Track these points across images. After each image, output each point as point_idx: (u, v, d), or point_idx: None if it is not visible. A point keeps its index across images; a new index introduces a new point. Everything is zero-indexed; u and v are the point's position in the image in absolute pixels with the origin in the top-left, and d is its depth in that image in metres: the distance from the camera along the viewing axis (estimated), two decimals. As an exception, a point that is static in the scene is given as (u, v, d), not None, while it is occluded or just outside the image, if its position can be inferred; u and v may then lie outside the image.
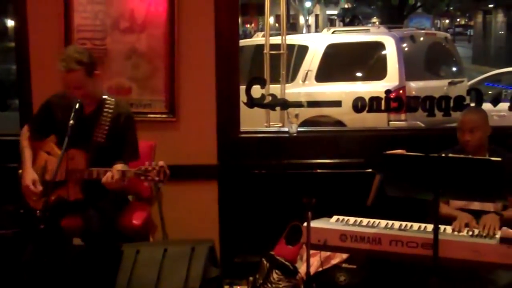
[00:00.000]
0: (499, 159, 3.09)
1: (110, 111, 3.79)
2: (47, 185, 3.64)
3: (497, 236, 3.29)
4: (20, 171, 3.84)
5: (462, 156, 3.51)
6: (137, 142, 3.86)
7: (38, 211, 3.43)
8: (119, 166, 3.61)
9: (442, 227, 3.43)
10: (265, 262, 4.16)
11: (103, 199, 3.75)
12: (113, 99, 3.86)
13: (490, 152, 3.81)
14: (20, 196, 3.81)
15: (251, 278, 4.24)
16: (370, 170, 3.51)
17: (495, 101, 4.79)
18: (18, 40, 4.51)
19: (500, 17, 27.86)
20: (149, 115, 4.41)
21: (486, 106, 4.63)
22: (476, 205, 3.65)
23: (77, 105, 3.65)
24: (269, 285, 4.08)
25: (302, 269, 4.01)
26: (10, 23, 18.25)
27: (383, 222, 3.56)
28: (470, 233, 3.41)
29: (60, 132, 3.74)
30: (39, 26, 4.34)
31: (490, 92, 7.87)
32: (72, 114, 3.62)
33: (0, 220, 4.08)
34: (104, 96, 3.85)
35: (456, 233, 3.43)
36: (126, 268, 3.63)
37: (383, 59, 7.38)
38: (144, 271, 3.63)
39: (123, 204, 3.99)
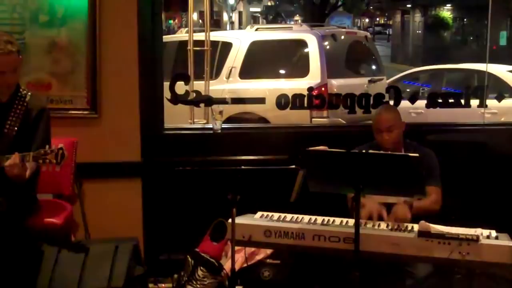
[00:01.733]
0: (417, 155, 3.18)
1: (25, 104, 3.67)
2: None
3: (415, 229, 3.39)
4: None
5: (382, 152, 3.60)
6: (48, 135, 3.73)
7: None
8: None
9: (363, 221, 3.51)
10: (189, 259, 4.15)
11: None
12: (29, 93, 3.74)
13: (406, 147, 3.92)
14: None
15: (176, 276, 4.22)
16: (293, 166, 3.55)
17: (413, 99, 4.94)
18: None
19: (417, 17, 28.80)
20: (70, 112, 4.32)
21: (404, 103, 4.78)
22: (393, 199, 3.75)
23: None
24: (194, 282, 4.07)
25: (227, 265, 4.02)
26: None
27: (306, 218, 3.61)
28: (390, 226, 3.50)
29: None
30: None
31: (408, 90, 8.16)
32: None
33: None
34: (21, 88, 3.74)
35: (376, 226, 3.51)
36: (47, 268, 3.56)
37: (306, 56, 7.49)
38: (66, 271, 3.56)
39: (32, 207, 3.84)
